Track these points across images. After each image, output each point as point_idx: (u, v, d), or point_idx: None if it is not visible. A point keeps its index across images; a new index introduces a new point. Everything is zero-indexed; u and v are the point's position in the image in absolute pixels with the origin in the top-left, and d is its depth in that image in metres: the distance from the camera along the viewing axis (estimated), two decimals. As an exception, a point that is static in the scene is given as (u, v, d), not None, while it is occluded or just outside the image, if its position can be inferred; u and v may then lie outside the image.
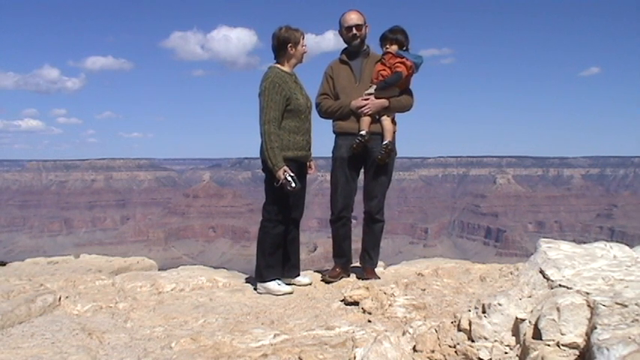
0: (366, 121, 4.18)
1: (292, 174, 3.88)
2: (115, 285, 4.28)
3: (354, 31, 4.22)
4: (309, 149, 4.23)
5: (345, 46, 4.35)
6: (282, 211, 4.09)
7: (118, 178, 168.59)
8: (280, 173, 3.87)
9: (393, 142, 4.23)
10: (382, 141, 4.22)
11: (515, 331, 2.29)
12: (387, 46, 4.25)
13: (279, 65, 4.09)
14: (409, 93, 4.34)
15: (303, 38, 4.07)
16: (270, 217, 4.12)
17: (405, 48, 4.26)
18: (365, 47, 4.32)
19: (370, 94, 4.18)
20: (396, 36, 4.24)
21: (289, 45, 4.03)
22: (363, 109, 4.17)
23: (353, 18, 4.23)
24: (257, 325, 3.23)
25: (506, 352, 2.24)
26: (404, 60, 4.17)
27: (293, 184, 3.86)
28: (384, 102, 4.20)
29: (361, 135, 4.15)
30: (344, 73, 4.29)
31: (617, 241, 2.92)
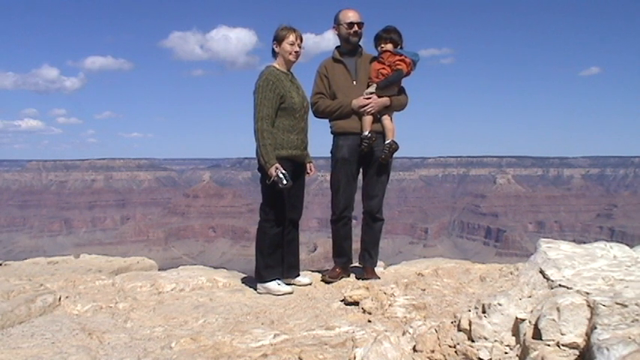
0: (368, 120, 4.18)
1: (284, 171, 3.87)
2: (115, 285, 4.28)
3: (356, 27, 4.22)
4: (305, 149, 4.22)
5: (338, 44, 4.35)
6: (278, 211, 4.09)
7: (118, 178, 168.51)
8: (272, 170, 3.86)
9: (395, 141, 4.24)
10: (384, 140, 4.23)
11: (515, 331, 2.29)
12: (382, 45, 4.26)
13: (275, 64, 4.09)
14: (404, 91, 4.36)
15: (295, 38, 4.02)
16: (267, 217, 4.12)
17: (399, 47, 4.28)
18: (359, 47, 4.33)
19: (372, 93, 4.19)
20: (390, 35, 4.25)
21: (274, 42, 4.05)
22: (365, 108, 4.16)
23: (355, 15, 4.23)
24: (257, 325, 3.23)
25: (506, 352, 2.24)
26: (403, 58, 4.19)
27: (284, 182, 3.85)
28: (386, 101, 4.20)
29: (368, 137, 4.15)
30: (339, 72, 4.27)
31: (617, 241, 2.92)
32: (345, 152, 4.26)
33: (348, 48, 4.30)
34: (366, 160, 4.31)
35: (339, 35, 4.30)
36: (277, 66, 4.08)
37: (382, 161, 4.24)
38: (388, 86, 4.20)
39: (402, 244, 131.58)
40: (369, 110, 4.17)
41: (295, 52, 4.05)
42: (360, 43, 4.34)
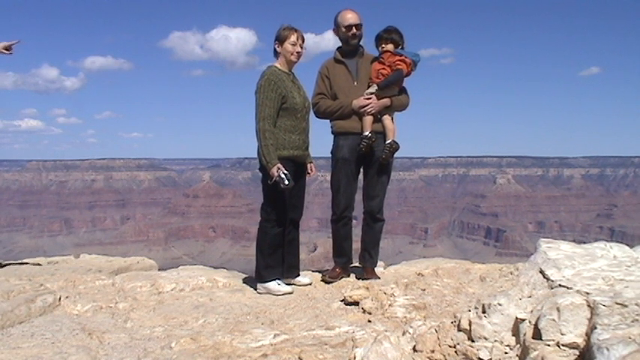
0: (368, 120, 4.18)
1: (286, 172, 3.87)
2: (115, 285, 4.28)
3: (354, 30, 4.22)
4: (306, 149, 4.23)
5: (339, 45, 4.35)
6: (280, 212, 4.09)
7: (118, 178, 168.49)
8: (274, 170, 3.86)
9: (396, 141, 4.24)
10: (384, 140, 4.23)
11: (515, 331, 2.29)
12: (383, 46, 4.26)
13: (276, 64, 4.09)
14: (405, 91, 4.35)
15: (297, 38, 4.02)
16: (268, 217, 4.11)
17: (400, 47, 4.28)
18: (360, 47, 4.33)
19: (372, 93, 4.19)
20: (391, 35, 4.26)
21: (276, 42, 4.05)
22: (366, 108, 4.17)
23: (353, 17, 4.23)
24: (257, 325, 3.23)
25: (506, 352, 2.23)
26: (403, 58, 4.19)
27: (286, 182, 3.85)
28: (386, 101, 4.21)
29: (368, 137, 4.15)
30: (340, 73, 4.28)
31: (617, 241, 2.92)
32: (345, 152, 4.26)
33: (349, 49, 4.30)
34: (366, 161, 4.31)
35: (339, 37, 4.31)
36: (279, 66, 4.08)
37: (383, 161, 4.24)
38: (388, 86, 4.20)
39: (402, 244, 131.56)
40: (369, 110, 4.17)
41: (297, 52, 4.05)
42: (362, 43, 4.34)
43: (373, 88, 4.20)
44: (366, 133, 4.16)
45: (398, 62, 4.17)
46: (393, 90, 4.24)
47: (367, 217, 4.41)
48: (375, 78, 4.22)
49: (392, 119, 4.30)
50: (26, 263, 5.19)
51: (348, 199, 4.33)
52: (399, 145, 4.25)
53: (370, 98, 4.17)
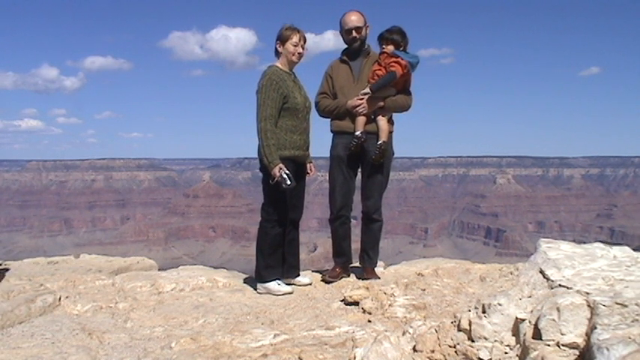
0: (360, 120, 4.19)
1: (288, 172, 3.87)
2: (115, 285, 4.28)
3: (354, 33, 4.22)
4: (307, 149, 4.23)
5: (342, 45, 4.35)
6: (280, 212, 4.09)
7: (118, 178, 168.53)
8: (276, 170, 3.86)
9: (387, 142, 4.23)
10: (377, 140, 4.23)
11: (515, 331, 2.29)
12: (384, 46, 4.25)
13: (278, 64, 4.08)
14: (408, 93, 4.33)
15: (299, 39, 4.01)
16: (268, 217, 4.11)
17: (401, 48, 4.25)
18: (365, 47, 4.32)
19: (366, 93, 4.19)
20: (392, 36, 4.24)
21: (277, 42, 4.04)
22: (357, 108, 4.17)
23: (353, 20, 4.23)
24: (257, 325, 3.23)
25: (506, 352, 2.23)
26: (398, 59, 4.16)
27: (288, 182, 3.85)
28: (379, 102, 4.20)
29: (357, 137, 4.16)
30: (343, 73, 4.30)
31: (617, 242, 2.92)
32: (339, 150, 4.30)
33: (353, 50, 4.31)
34: (361, 161, 4.32)
35: (343, 39, 4.31)
36: (280, 66, 4.07)
37: (374, 162, 4.24)
38: (381, 87, 4.18)
39: (402, 244, 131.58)
40: (360, 111, 4.18)
41: (298, 53, 4.04)
42: (368, 42, 4.34)
43: (368, 89, 4.20)
44: (357, 132, 4.17)
45: (392, 64, 4.15)
46: (388, 91, 4.21)
47: (364, 218, 4.41)
48: (371, 79, 4.21)
49: (389, 120, 4.28)
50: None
51: (345, 198, 4.33)
52: (389, 147, 4.25)
53: (363, 98, 4.17)
